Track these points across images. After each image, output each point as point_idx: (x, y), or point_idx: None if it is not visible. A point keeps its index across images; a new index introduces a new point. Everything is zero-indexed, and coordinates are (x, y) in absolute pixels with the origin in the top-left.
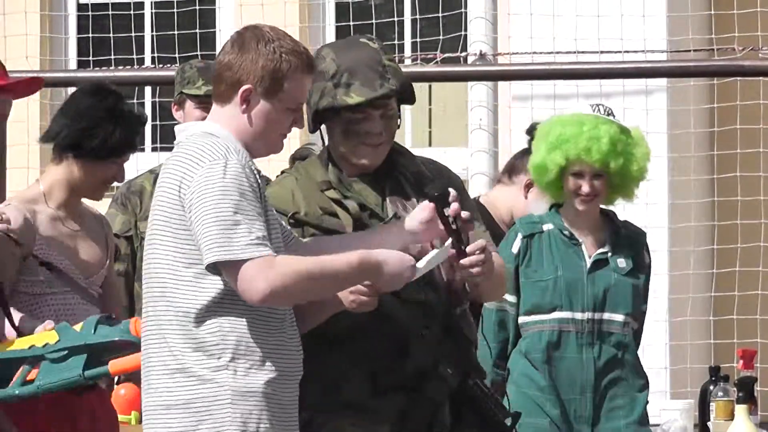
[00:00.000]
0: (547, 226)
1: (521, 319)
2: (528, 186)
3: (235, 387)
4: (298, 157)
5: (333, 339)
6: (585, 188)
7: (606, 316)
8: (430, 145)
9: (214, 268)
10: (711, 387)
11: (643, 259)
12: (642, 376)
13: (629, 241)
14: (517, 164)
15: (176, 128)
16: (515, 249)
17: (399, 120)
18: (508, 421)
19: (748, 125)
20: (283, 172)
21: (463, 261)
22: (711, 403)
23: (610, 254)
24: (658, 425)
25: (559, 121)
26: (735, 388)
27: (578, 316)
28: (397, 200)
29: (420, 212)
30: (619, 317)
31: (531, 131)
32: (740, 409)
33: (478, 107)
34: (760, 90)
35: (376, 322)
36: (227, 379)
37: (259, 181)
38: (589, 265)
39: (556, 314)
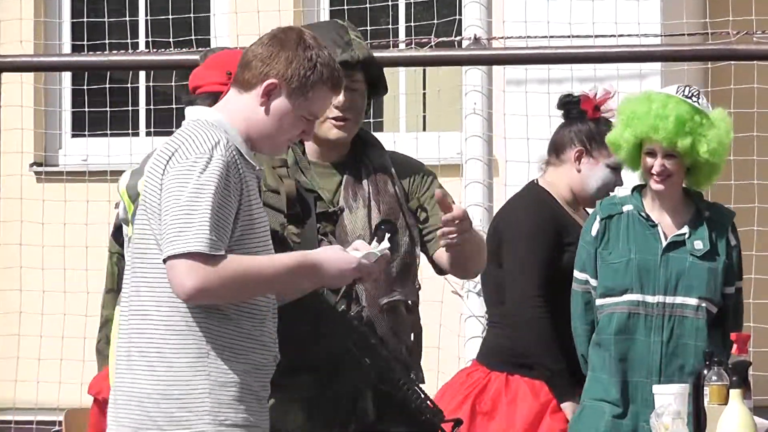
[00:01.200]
0: (627, 207)
1: (597, 302)
2: (578, 157)
3: (213, 377)
4: None
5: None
6: (656, 167)
7: (679, 299)
8: (424, 129)
9: None
10: (705, 371)
11: (727, 240)
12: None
13: (713, 222)
14: (559, 141)
15: (187, 110)
16: (594, 231)
17: (368, 103)
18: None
19: (742, 109)
20: None
21: (443, 230)
22: (705, 388)
23: (687, 236)
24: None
25: (632, 98)
26: (729, 373)
27: (649, 299)
28: (350, 186)
29: (361, 245)
30: (693, 301)
31: (562, 106)
32: (734, 394)
33: (472, 92)
34: (755, 74)
35: (291, 304)
36: (205, 369)
37: (242, 174)
38: (663, 248)
39: (627, 296)
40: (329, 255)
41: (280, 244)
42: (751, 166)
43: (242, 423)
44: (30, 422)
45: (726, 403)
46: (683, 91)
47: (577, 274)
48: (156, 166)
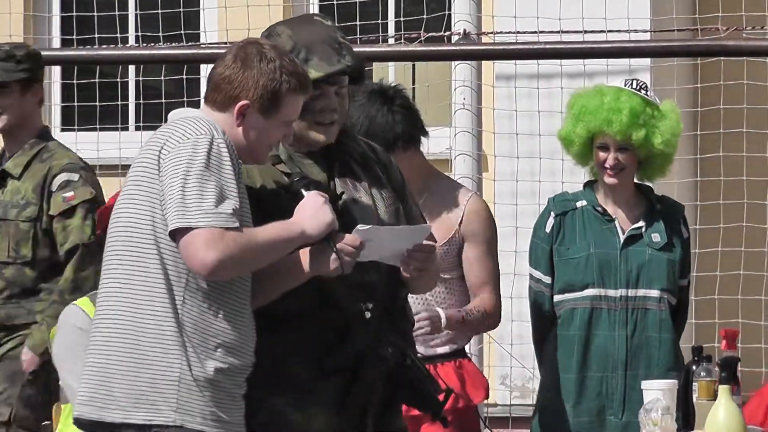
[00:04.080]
0: (581, 203)
1: (555, 298)
2: None
3: (186, 369)
4: None
5: (279, 320)
6: (609, 161)
7: (641, 292)
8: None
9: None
10: (693, 367)
11: (680, 233)
12: (675, 355)
13: (665, 215)
14: None
15: (171, 113)
16: (548, 228)
17: (350, 100)
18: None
19: (731, 105)
20: None
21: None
22: (693, 383)
23: (644, 229)
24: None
25: (583, 93)
26: (717, 368)
27: (611, 293)
28: (348, 180)
29: None
30: (655, 293)
31: None
32: (723, 390)
33: (461, 87)
34: (744, 70)
35: (321, 304)
36: (179, 360)
37: (240, 163)
38: (622, 242)
39: (589, 291)
40: (303, 212)
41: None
42: (740, 162)
43: (210, 417)
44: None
45: (715, 399)
46: (632, 84)
47: (531, 271)
48: (148, 154)
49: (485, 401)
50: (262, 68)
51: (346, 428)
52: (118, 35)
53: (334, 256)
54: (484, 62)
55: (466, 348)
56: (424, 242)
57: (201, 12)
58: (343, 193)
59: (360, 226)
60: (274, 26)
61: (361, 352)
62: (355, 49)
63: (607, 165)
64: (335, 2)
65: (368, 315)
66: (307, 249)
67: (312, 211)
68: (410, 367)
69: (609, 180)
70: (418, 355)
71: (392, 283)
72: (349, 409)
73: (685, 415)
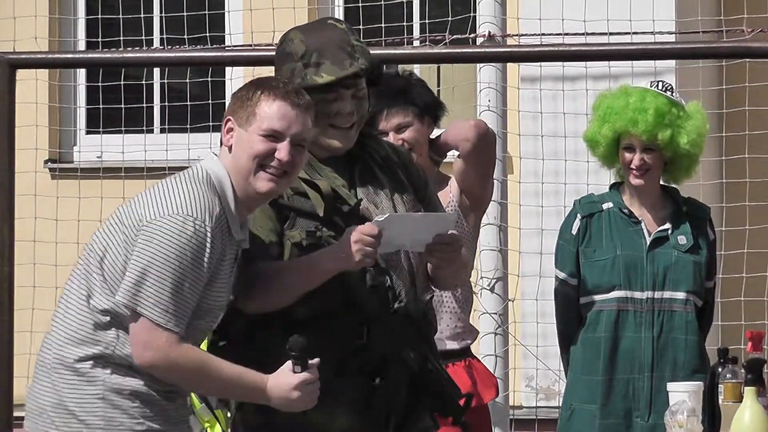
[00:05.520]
0: (607, 205)
1: (582, 300)
2: None
3: (108, 384)
4: None
5: (300, 321)
6: (635, 161)
7: (667, 294)
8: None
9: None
10: (719, 369)
11: (706, 235)
12: (701, 357)
13: (691, 217)
14: None
15: (204, 156)
16: (574, 230)
17: (370, 103)
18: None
19: (757, 107)
20: None
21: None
22: (719, 385)
23: (670, 231)
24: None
25: (608, 94)
26: (743, 370)
27: (638, 295)
28: (369, 187)
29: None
30: (681, 295)
31: None
32: (749, 392)
33: (486, 89)
34: None
35: (344, 306)
36: (101, 376)
37: (223, 250)
38: (648, 243)
39: (615, 293)
40: (276, 380)
41: (317, 248)
42: (766, 164)
43: (143, 430)
44: None
45: (740, 401)
46: (657, 85)
47: (557, 272)
48: (145, 198)
49: (495, 399)
50: (243, 88)
51: (369, 431)
52: (143, 38)
53: (356, 247)
54: (509, 64)
55: (492, 350)
56: (449, 232)
57: (226, 14)
58: (362, 199)
59: (379, 216)
60: (288, 32)
61: (384, 355)
62: (377, 51)
63: (632, 165)
64: (360, 5)
65: (390, 318)
66: (326, 248)
67: (284, 387)
68: (432, 372)
69: (635, 181)
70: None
71: (416, 288)
72: (373, 411)
73: (711, 417)
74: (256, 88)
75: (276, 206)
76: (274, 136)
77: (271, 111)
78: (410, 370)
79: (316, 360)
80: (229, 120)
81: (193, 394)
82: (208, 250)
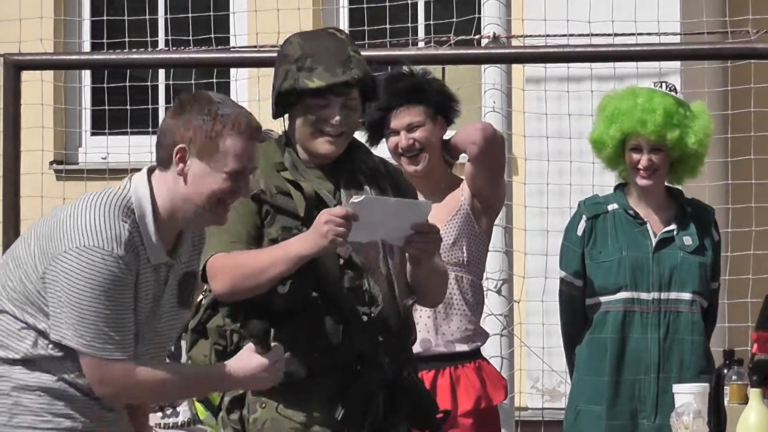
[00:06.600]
0: (612, 207)
1: (588, 301)
2: None
3: (18, 379)
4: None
5: (277, 317)
6: (643, 162)
7: (673, 295)
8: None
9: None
10: (725, 370)
11: (711, 236)
12: (707, 358)
13: (696, 218)
14: None
15: (136, 176)
16: (580, 231)
17: (362, 115)
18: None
19: (762, 108)
20: None
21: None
22: (725, 387)
23: (676, 232)
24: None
25: (614, 95)
26: (749, 372)
27: (644, 296)
28: (352, 191)
29: None
30: (687, 296)
31: None
32: (754, 393)
33: (491, 90)
34: None
35: (319, 303)
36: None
37: (139, 268)
38: (654, 244)
39: (621, 294)
40: (240, 362)
41: None
42: None
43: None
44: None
45: (746, 403)
46: (660, 86)
47: (562, 274)
48: (56, 226)
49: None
50: (198, 109)
51: (346, 429)
52: (149, 39)
53: (326, 228)
54: (513, 65)
55: (497, 351)
56: (425, 223)
57: (231, 16)
58: (342, 204)
59: (354, 197)
60: (290, 36)
61: (358, 357)
62: (382, 53)
63: (640, 166)
64: (365, 6)
65: (365, 318)
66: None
67: (250, 367)
68: (408, 381)
69: (642, 182)
70: (441, 351)
71: (394, 292)
72: (348, 410)
73: (716, 418)
74: (217, 120)
75: (258, 202)
76: (237, 173)
77: (237, 149)
78: (385, 376)
79: (275, 343)
80: (184, 149)
81: (198, 405)
82: (124, 275)
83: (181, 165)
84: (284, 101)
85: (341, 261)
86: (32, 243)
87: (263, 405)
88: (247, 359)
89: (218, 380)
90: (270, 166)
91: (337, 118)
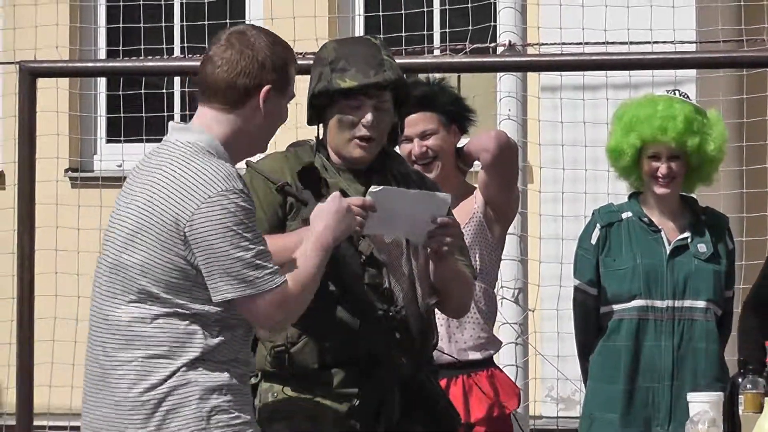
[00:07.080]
0: (626, 214)
1: (602, 309)
2: None
3: (201, 381)
4: (293, 146)
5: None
6: (662, 169)
7: (687, 303)
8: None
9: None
10: (739, 379)
11: (725, 244)
12: (721, 366)
13: (710, 226)
14: None
15: (171, 125)
16: (594, 239)
17: (395, 120)
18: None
19: None
20: None
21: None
22: (739, 396)
23: (690, 240)
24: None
25: (632, 103)
26: (764, 381)
27: (658, 303)
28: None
29: None
30: (701, 304)
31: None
32: None
33: (506, 98)
34: None
35: (336, 296)
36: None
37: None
38: (668, 252)
39: (636, 302)
40: (315, 213)
41: None
42: None
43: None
44: (64, 427)
45: (761, 411)
46: (673, 94)
47: (576, 282)
48: (167, 197)
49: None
50: (261, 46)
51: (358, 423)
52: (164, 46)
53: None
54: (529, 73)
55: (512, 360)
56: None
57: (247, 23)
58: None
59: (373, 187)
60: (327, 42)
61: (372, 354)
62: (398, 61)
63: (659, 174)
64: (381, 14)
65: (380, 315)
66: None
67: (329, 213)
68: (426, 384)
69: (660, 190)
70: (454, 359)
71: (416, 292)
72: (360, 404)
73: (731, 427)
74: (276, 47)
75: (283, 194)
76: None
77: (294, 76)
78: (400, 376)
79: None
80: (269, 89)
81: None
82: (251, 205)
83: (263, 105)
84: (318, 103)
85: (363, 258)
86: (149, 229)
87: (275, 394)
88: (315, 210)
89: (306, 233)
90: (300, 165)
91: (369, 116)
